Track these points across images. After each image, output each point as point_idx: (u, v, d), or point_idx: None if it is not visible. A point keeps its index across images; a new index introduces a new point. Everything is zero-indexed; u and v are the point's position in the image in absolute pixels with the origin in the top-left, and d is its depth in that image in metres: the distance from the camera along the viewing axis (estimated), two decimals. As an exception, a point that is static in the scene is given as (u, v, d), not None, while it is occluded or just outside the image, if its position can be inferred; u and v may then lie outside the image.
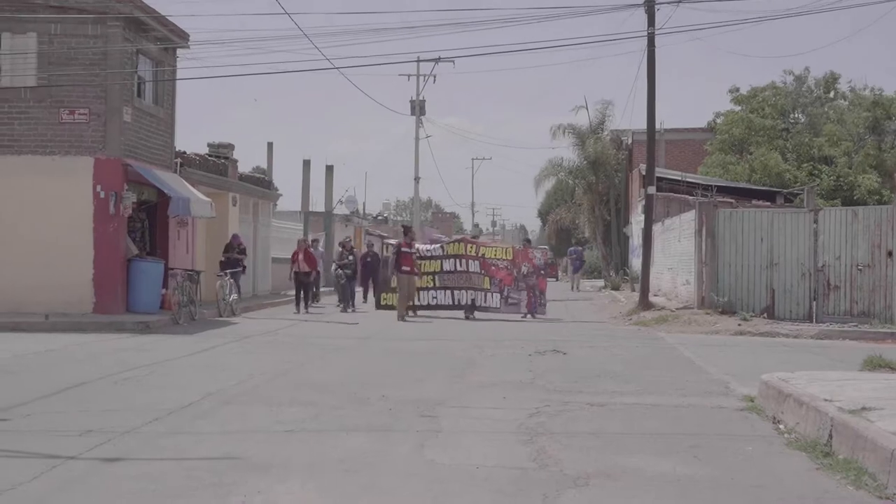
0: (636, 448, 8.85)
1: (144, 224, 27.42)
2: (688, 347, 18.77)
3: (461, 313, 27.82)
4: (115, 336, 20.46)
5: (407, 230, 29.77)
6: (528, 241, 33.46)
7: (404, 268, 27.05)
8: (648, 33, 28.96)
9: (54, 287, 23.55)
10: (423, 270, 27.92)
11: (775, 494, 7.25)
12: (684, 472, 7.90)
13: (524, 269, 27.98)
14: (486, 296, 27.90)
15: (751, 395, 11.64)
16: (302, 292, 29.74)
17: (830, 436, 8.44)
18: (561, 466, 8.01)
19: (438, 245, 29.94)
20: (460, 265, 28.10)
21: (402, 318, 26.27)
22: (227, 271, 27.78)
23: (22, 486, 7.23)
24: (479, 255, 28.12)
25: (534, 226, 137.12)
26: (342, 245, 33.04)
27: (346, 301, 30.86)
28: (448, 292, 28.14)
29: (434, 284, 28.22)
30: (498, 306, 27.83)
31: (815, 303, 24.44)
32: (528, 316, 27.68)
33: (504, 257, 28.20)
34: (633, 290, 37.75)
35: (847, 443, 8.07)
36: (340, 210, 56.83)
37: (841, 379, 11.06)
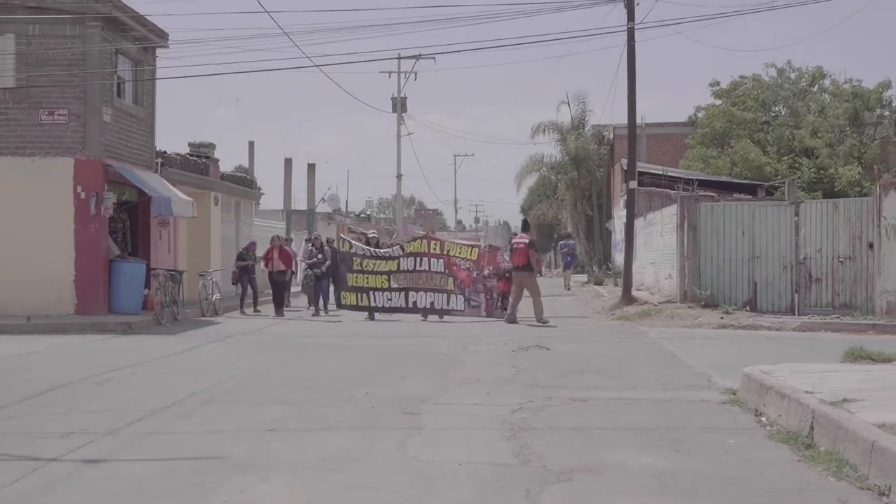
0: (619, 443, 8.87)
1: (126, 224, 27.31)
2: (670, 341, 18.81)
3: (396, 332, 22.95)
4: (97, 337, 20.40)
5: (525, 224, 28.80)
6: (527, 223, 29.89)
7: (517, 264, 24.68)
8: (628, 28, 28.98)
9: (36, 288, 23.46)
10: (376, 270, 25.95)
11: (757, 487, 7.27)
12: (666, 465, 7.92)
13: (485, 271, 25.85)
14: (448, 298, 25.75)
15: (733, 388, 11.67)
16: (276, 293, 28.18)
17: (812, 427, 8.47)
18: (544, 462, 8.02)
19: (397, 245, 27.98)
20: (420, 264, 25.86)
21: (512, 320, 24.25)
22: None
23: (3, 489, 7.20)
24: (444, 252, 26.06)
25: (517, 222, 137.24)
26: (310, 242, 30.27)
27: (317, 303, 28.15)
28: (403, 294, 25.87)
29: (389, 285, 25.94)
30: (462, 309, 25.73)
31: (797, 295, 24.50)
32: (488, 319, 25.36)
33: (467, 257, 26.03)
34: (617, 284, 37.79)
35: (828, 434, 8.10)
36: (323, 208, 56.75)
37: (822, 371, 11.10)
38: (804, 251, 24.46)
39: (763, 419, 9.80)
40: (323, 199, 55.77)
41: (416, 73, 56.82)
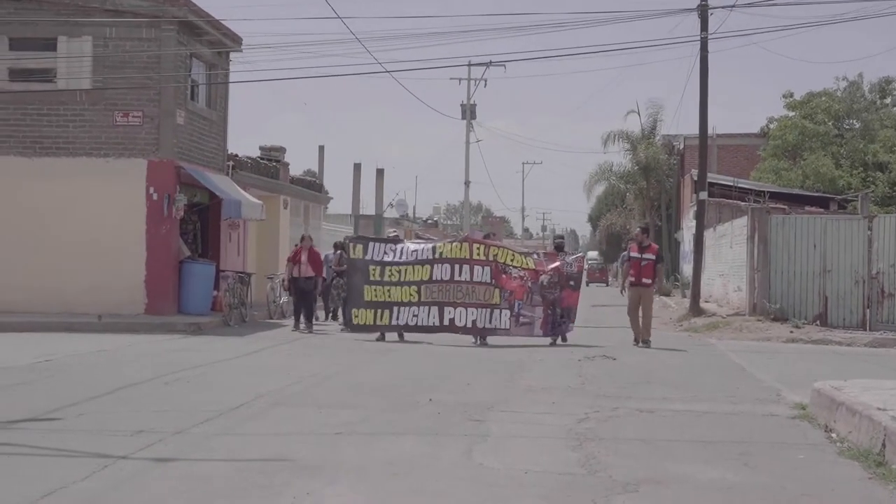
0: (686, 455, 8.79)
1: (196, 226, 27.60)
2: (739, 354, 18.63)
3: (460, 339, 20.59)
4: (166, 337, 20.62)
5: (644, 230, 22.76)
6: (562, 241, 23.98)
7: (630, 278, 20.89)
8: (701, 38, 28.79)
9: (107, 288, 23.75)
10: (402, 279, 20.93)
11: (827, 503, 7.17)
12: (734, 479, 7.83)
13: (544, 280, 20.67)
14: (491, 314, 20.57)
15: (802, 402, 11.51)
16: (303, 305, 23.42)
17: (884, 445, 8.33)
18: (610, 472, 7.97)
19: (429, 245, 22.27)
20: (460, 273, 20.75)
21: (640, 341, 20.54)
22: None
23: (74, 485, 7.29)
24: (491, 258, 20.88)
25: (584, 230, 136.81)
26: (339, 247, 26.65)
27: (334, 313, 26.04)
28: (435, 309, 20.79)
29: (418, 298, 20.88)
30: (507, 327, 20.64)
31: (868, 310, 24.19)
32: (545, 338, 20.63)
33: (522, 265, 20.91)
34: (684, 296, 37.53)
35: (901, 452, 7.97)
36: (391, 213, 56.96)
37: (895, 388, 10.92)
38: (877, 266, 24.15)
39: (833, 435, 9.66)
40: (391, 205, 56.04)
41: (485, 81, 56.73)
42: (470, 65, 54.16)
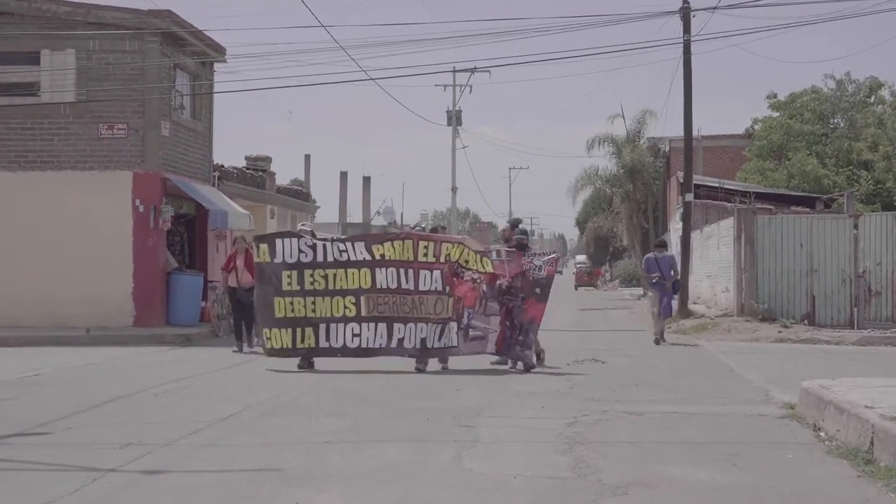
0: (675, 457, 8.80)
1: (183, 237, 27.58)
2: (727, 355, 18.65)
3: (402, 362, 16.24)
4: (155, 349, 20.58)
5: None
6: (523, 234, 17.48)
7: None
8: (684, 40, 28.86)
9: (95, 301, 23.71)
10: (330, 287, 16.20)
11: (816, 502, 7.19)
12: (723, 480, 7.85)
13: (503, 283, 16.27)
14: (442, 329, 16.19)
15: (791, 402, 11.54)
16: (243, 319, 20.06)
17: (872, 443, 8.35)
18: (599, 475, 7.97)
19: (362, 244, 16.75)
20: (406, 279, 16.24)
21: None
22: None
23: (63, 499, 7.29)
24: (443, 258, 16.32)
25: (572, 234, 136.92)
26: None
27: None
28: (383, 326, 16.22)
29: (356, 312, 16.21)
30: (455, 344, 16.31)
31: (856, 309, 24.24)
32: (502, 362, 16.62)
33: (476, 267, 16.38)
34: (673, 298, 37.56)
35: (889, 449, 7.99)
36: (378, 221, 56.96)
37: (883, 385, 10.95)
38: (863, 264, 24.21)
39: (822, 434, 9.68)
40: (378, 212, 56.09)
41: (471, 87, 56.74)
42: (455, 71, 54.21)
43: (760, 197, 37.01)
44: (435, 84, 55.78)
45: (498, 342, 16.31)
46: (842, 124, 47.48)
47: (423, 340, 16.06)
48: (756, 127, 48.81)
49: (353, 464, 8.49)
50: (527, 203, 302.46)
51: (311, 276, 16.16)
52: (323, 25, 54.89)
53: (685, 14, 28.85)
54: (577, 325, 24.44)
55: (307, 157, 50.01)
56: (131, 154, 24.30)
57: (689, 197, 29.79)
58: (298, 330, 16.16)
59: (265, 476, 8.02)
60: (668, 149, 52.64)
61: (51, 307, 23.77)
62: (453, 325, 16.16)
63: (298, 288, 16.14)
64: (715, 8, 28.14)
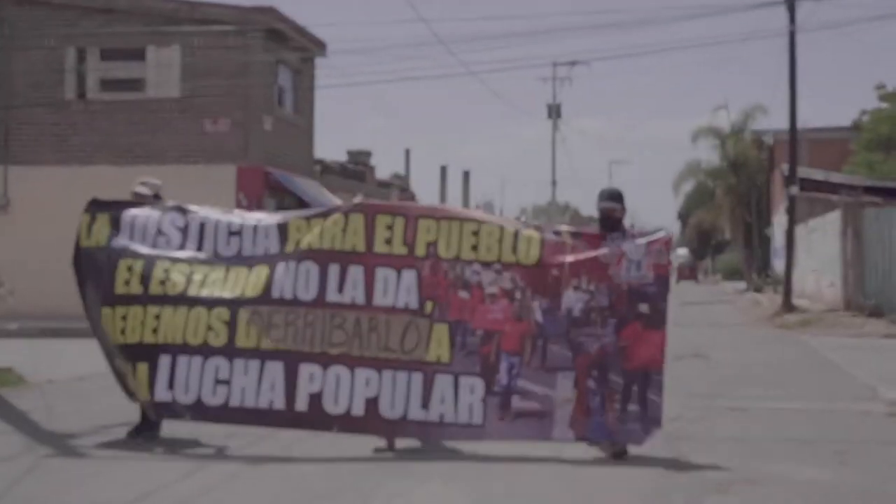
0: (780, 454, 8.65)
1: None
2: (833, 351, 18.28)
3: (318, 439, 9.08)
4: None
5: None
6: (616, 206, 9.00)
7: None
8: (790, 31, 28.39)
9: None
10: (197, 293, 8.81)
11: (928, 503, 7.03)
12: (831, 478, 7.68)
13: (570, 301, 8.42)
14: (425, 384, 8.43)
15: (900, 399, 11.29)
16: None
17: None
18: (702, 471, 7.87)
19: (271, 220, 9.18)
20: (343, 284, 8.63)
21: None
22: None
23: (168, 488, 7.40)
24: (425, 249, 8.58)
25: (674, 228, 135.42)
26: None
27: None
28: (280, 367, 8.61)
29: (229, 339, 8.67)
30: (480, 423, 8.32)
31: (969, 305, 23.61)
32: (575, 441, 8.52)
33: (508, 259, 8.49)
34: (776, 292, 36.96)
35: None
36: (478, 216, 56.98)
37: None
38: (976, 259, 23.57)
39: (933, 433, 9.46)
40: (477, 207, 56.05)
41: (570, 80, 56.51)
42: (555, 64, 54.05)
43: (868, 190, 36.21)
44: (535, 78, 55.54)
45: (576, 414, 8.42)
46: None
47: (376, 400, 8.49)
48: (864, 118, 47.83)
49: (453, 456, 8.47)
50: (628, 197, 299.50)
51: (165, 271, 8.97)
52: (424, 20, 55.23)
53: (790, 4, 28.35)
54: (677, 321, 24.08)
55: (407, 152, 50.23)
56: (234, 149, 24.63)
57: (794, 190, 29.30)
58: (134, 365, 8.92)
59: (367, 467, 8.04)
60: (771, 141, 51.86)
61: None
62: (468, 381, 8.39)
63: (140, 290, 8.91)
64: (821, -3, 27.65)
